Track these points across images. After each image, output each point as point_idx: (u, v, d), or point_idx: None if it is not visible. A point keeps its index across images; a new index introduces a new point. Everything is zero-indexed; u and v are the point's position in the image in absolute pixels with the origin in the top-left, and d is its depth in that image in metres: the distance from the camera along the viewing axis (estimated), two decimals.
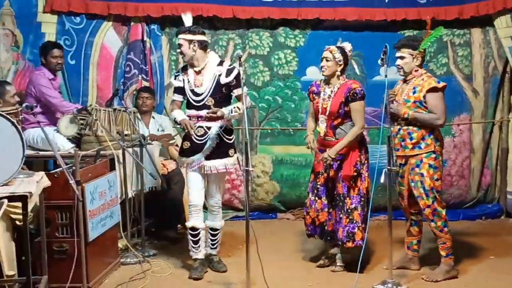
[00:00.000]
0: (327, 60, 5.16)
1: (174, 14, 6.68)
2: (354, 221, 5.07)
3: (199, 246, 5.28)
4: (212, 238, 5.37)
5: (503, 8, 6.86)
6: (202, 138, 5.09)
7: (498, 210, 7.26)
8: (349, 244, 5.09)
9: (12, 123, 3.89)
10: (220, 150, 5.12)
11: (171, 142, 6.45)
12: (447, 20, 6.93)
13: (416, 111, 4.95)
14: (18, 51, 6.50)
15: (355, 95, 5.09)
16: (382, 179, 4.77)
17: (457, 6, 6.95)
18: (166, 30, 6.98)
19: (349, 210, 5.10)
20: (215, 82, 5.08)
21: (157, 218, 6.31)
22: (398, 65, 5.06)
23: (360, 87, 5.15)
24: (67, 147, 5.51)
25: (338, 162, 5.17)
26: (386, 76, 4.83)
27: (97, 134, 5.53)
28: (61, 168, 4.42)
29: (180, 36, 5.09)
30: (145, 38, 6.83)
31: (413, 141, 4.98)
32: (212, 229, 5.35)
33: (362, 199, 5.13)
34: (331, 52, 5.16)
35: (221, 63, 5.15)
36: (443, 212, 4.99)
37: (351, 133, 5.09)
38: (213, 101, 5.05)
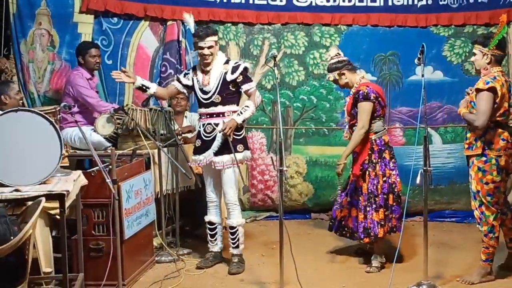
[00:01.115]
0: (334, 83, 5.63)
1: (211, 19, 6.86)
2: (369, 218, 5.24)
3: (215, 240, 5.49)
4: (231, 236, 5.38)
5: None
6: (210, 135, 5.26)
7: None
8: (366, 240, 5.30)
9: (50, 122, 3.95)
10: (228, 145, 5.20)
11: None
12: (479, 24, 6.95)
13: (471, 111, 4.86)
14: (54, 51, 6.59)
15: (358, 96, 5.27)
16: (418, 180, 4.72)
17: (488, 11, 6.89)
18: None
19: (362, 208, 5.28)
20: (221, 79, 5.23)
21: (192, 217, 6.34)
22: (472, 61, 5.02)
23: (366, 89, 5.27)
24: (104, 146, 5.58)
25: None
26: (423, 76, 4.78)
27: (133, 134, 5.58)
28: (98, 167, 4.48)
29: (212, 38, 5.23)
30: (181, 38, 6.88)
31: (467, 141, 4.91)
32: (230, 227, 5.38)
33: (371, 196, 5.25)
34: (330, 80, 5.57)
35: (227, 62, 5.33)
36: (491, 218, 4.85)
37: (353, 136, 5.30)
38: (220, 98, 5.24)
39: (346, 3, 6.99)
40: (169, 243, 5.85)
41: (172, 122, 6.00)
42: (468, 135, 4.89)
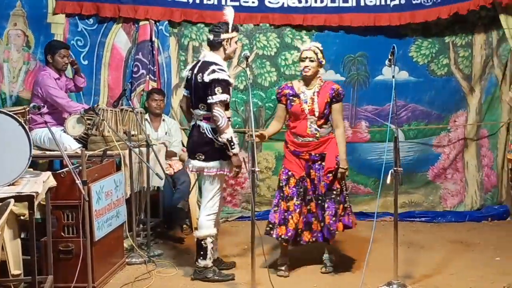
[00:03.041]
0: (310, 61, 5.16)
1: (184, 20, 6.90)
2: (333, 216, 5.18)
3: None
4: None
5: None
6: None
7: (504, 212, 7.22)
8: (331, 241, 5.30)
9: (20, 123, 3.91)
10: None
11: (174, 159, 6.58)
12: (451, 20, 7.01)
13: None
14: (29, 51, 6.53)
15: (339, 95, 5.19)
16: (388, 180, 4.76)
17: (460, 3, 6.88)
18: (174, 31, 7.01)
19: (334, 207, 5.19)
20: None
21: (163, 218, 6.33)
22: None
23: (341, 88, 5.26)
24: (74, 147, 5.53)
25: (319, 162, 5.21)
26: (393, 77, 4.83)
27: (104, 134, 5.54)
28: (67, 168, 4.44)
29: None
30: (154, 38, 6.85)
31: None
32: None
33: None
34: (314, 52, 5.17)
35: None
36: None
37: (342, 138, 5.22)
38: None
39: (318, 4, 6.99)
40: (140, 245, 5.82)
41: (144, 123, 5.97)
42: None
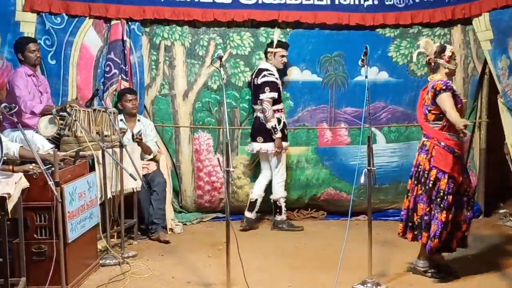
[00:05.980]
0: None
1: (156, 18, 6.82)
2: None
3: None
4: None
5: (479, 12, 6.91)
6: None
7: (476, 210, 7.27)
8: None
9: None
10: None
11: (146, 157, 6.56)
12: (425, 22, 7.03)
13: None
14: None
15: None
16: (362, 180, 4.79)
17: (432, 9, 6.97)
18: (146, 30, 6.95)
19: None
20: None
21: (139, 219, 6.28)
22: None
23: None
24: (47, 147, 5.47)
25: None
26: (366, 77, 4.85)
27: (76, 135, 5.49)
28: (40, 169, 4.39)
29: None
30: (125, 37, 6.79)
31: None
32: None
33: None
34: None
35: None
36: None
37: None
38: None
39: (293, 1, 6.93)
40: (114, 246, 5.78)
41: (117, 123, 5.92)
42: None
